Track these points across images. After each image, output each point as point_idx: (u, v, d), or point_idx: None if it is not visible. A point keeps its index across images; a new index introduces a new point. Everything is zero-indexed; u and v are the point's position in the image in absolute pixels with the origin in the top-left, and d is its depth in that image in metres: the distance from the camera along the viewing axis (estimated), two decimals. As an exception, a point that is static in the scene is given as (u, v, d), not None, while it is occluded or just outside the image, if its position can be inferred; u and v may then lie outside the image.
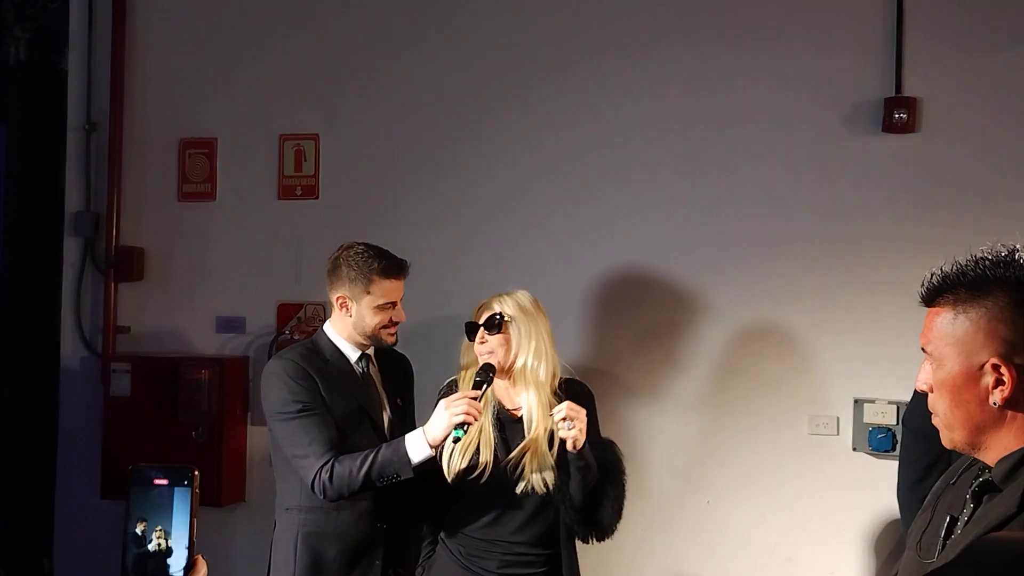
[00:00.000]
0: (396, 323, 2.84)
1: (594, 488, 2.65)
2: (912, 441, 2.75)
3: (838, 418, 3.34)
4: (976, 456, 1.46)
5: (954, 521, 1.44)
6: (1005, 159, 3.21)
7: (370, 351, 2.90)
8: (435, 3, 3.74)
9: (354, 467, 2.61)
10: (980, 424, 1.41)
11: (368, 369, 2.89)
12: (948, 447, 1.49)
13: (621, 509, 2.72)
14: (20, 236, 4.26)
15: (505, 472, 2.69)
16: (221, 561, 3.71)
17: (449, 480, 2.70)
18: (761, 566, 3.39)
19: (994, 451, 1.41)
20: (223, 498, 3.75)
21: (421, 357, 3.17)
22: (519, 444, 2.69)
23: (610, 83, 3.55)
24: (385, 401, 2.90)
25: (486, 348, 2.72)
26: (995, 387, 1.38)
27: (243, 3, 3.93)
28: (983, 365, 1.38)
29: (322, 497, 2.65)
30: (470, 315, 2.82)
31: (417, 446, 2.60)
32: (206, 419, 3.75)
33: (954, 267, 1.44)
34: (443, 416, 2.57)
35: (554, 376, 2.75)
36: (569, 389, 2.76)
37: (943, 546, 1.43)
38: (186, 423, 3.77)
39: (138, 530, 1.45)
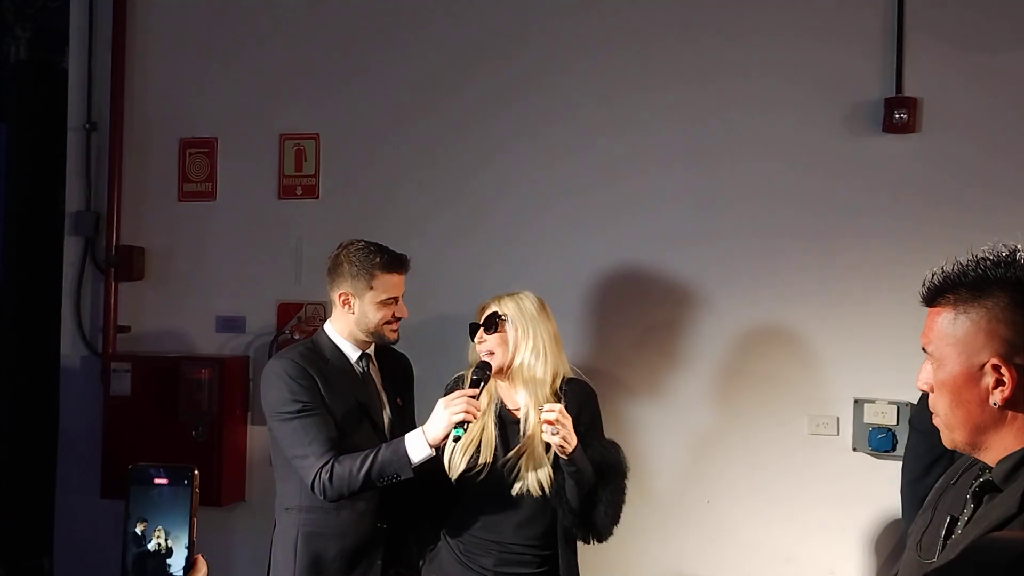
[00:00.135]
0: (399, 319, 2.84)
1: (590, 491, 2.64)
2: (917, 439, 2.75)
3: (838, 418, 3.34)
4: (976, 456, 1.46)
5: (954, 521, 1.44)
6: (1006, 159, 3.21)
7: (370, 350, 2.90)
8: (435, 2, 3.73)
9: (354, 467, 2.61)
10: (980, 424, 1.41)
11: (368, 369, 2.89)
12: (949, 447, 1.49)
13: (618, 512, 2.70)
14: (20, 235, 4.26)
15: (502, 472, 2.69)
16: (221, 561, 3.71)
17: (451, 479, 2.71)
18: (761, 566, 3.39)
19: (994, 451, 1.41)
20: (223, 498, 3.75)
21: (421, 356, 3.17)
22: (518, 444, 2.70)
23: (612, 84, 3.54)
24: (385, 401, 2.89)
25: (485, 347, 2.74)
26: (995, 387, 1.38)
27: (243, 3, 3.93)
28: (983, 365, 1.38)
29: (322, 497, 2.65)
30: (470, 314, 2.82)
31: (417, 446, 2.60)
32: (206, 419, 3.75)
33: (955, 267, 1.44)
34: (442, 415, 2.58)
35: (555, 377, 2.74)
36: (570, 389, 2.76)
37: (943, 546, 1.43)
38: (186, 423, 3.76)
39: (138, 530, 1.45)
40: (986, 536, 1.31)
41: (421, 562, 2.88)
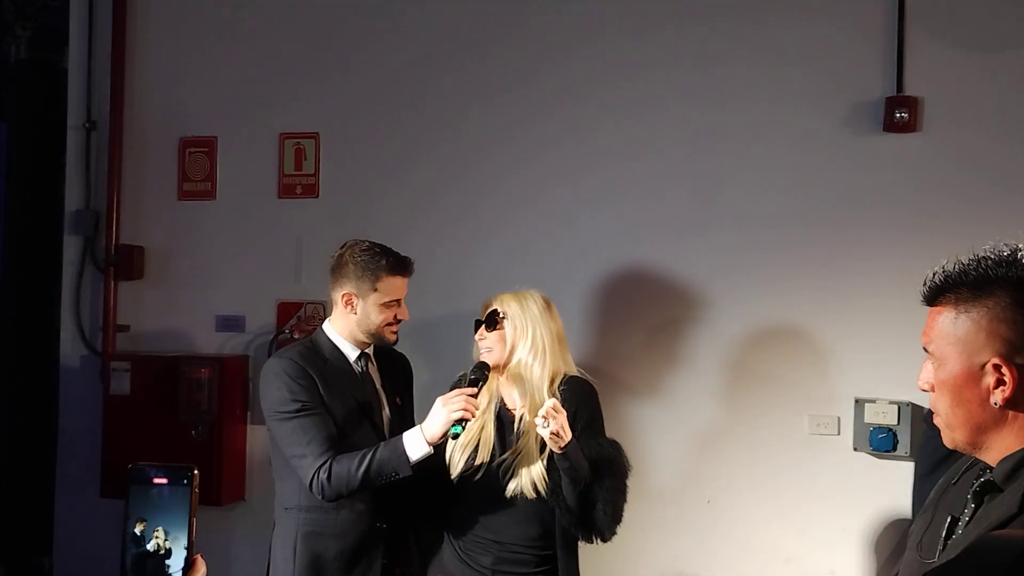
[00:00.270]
0: (400, 321, 2.83)
1: (586, 490, 2.63)
2: (929, 435, 2.75)
3: (839, 418, 3.33)
4: (977, 456, 1.46)
5: (955, 521, 1.44)
6: (1006, 158, 3.21)
7: (369, 350, 2.89)
8: (436, 2, 3.73)
9: (352, 466, 2.61)
10: (981, 424, 1.40)
11: (367, 368, 2.89)
12: (949, 447, 1.49)
13: (618, 512, 2.68)
14: (20, 234, 4.26)
15: (498, 472, 2.69)
16: (220, 560, 3.71)
17: (453, 478, 2.71)
18: (761, 565, 3.38)
19: (995, 451, 1.41)
20: (223, 497, 3.75)
21: (420, 355, 3.17)
22: (516, 444, 2.70)
23: (612, 84, 3.54)
24: (384, 400, 2.89)
25: (484, 345, 2.75)
26: (996, 387, 1.38)
27: (243, 2, 3.93)
28: (984, 365, 1.38)
29: (320, 497, 2.65)
30: (470, 312, 2.82)
31: (415, 444, 2.60)
32: (206, 418, 3.75)
33: (956, 266, 1.43)
34: (441, 413, 2.58)
35: (554, 376, 2.74)
36: (568, 387, 2.75)
37: (944, 546, 1.43)
38: (186, 422, 3.76)
39: (137, 530, 1.45)
40: (987, 535, 1.31)
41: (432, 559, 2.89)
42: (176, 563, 1.45)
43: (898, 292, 3.09)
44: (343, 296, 2.80)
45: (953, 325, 1.41)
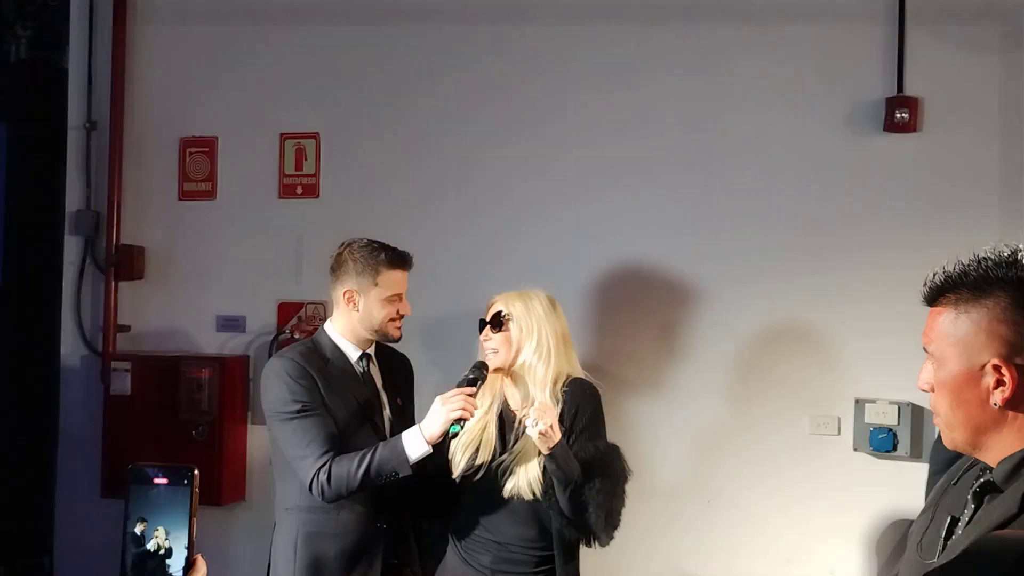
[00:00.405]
0: (402, 316, 2.83)
1: (576, 492, 2.60)
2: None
3: (839, 418, 3.33)
4: (977, 456, 1.46)
5: (955, 521, 1.44)
6: (1007, 159, 3.21)
7: (370, 350, 2.89)
8: (434, 1, 3.73)
9: (352, 467, 2.61)
10: (981, 424, 1.40)
11: (368, 368, 2.89)
12: (949, 447, 1.49)
13: (611, 516, 2.63)
14: (20, 234, 4.26)
15: (497, 472, 2.69)
16: (221, 561, 3.71)
17: (454, 478, 2.71)
18: (761, 565, 3.38)
19: (995, 451, 1.40)
20: (223, 497, 3.75)
21: (421, 355, 3.17)
22: (517, 445, 2.70)
23: (612, 83, 3.54)
24: (385, 401, 2.89)
25: (490, 346, 2.74)
26: (996, 388, 1.37)
27: (244, 2, 3.92)
28: (984, 366, 1.38)
29: (320, 498, 2.65)
30: (471, 311, 2.81)
31: (414, 443, 2.60)
32: (206, 418, 3.75)
33: (956, 267, 1.43)
34: (440, 412, 2.58)
35: (558, 377, 2.73)
36: (571, 389, 2.74)
37: (944, 546, 1.43)
38: (186, 422, 3.76)
39: (137, 530, 1.45)
40: (987, 536, 1.31)
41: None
42: (176, 563, 1.45)
43: (898, 292, 3.08)
44: (344, 293, 2.80)
45: (953, 326, 1.41)
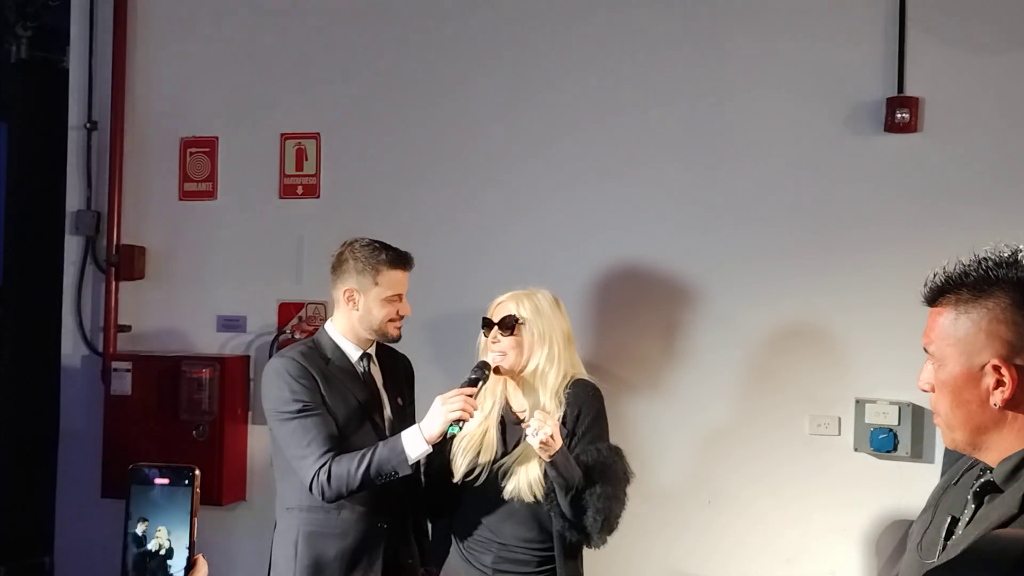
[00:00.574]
0: (402, 316, 2.83)
1: (578, 496, 2.59)
2: None
3: (839, 418, 3.33)
4: (977, 456, 1.46)
5: (955, 521, 1.44)
6: (1007, 159, 3.21)
7: (371, 350, 2.89)
8: (437, 2, 3.73)
9: (352, 466, 2.61)
10: (981, 425, 1.40)
11: (369, 368, 2.89)
12: (949, 447, 1.49)
13: (610, 519, 2.62)
14: (21, 234, 4.27)
15: (498, 476, 2.69)
16: (222, 561, 3.71)
17: (456, 479, 2.71)
18: (762, 566, 3.38)
19: (995, 452, 1.41)
20: (224, 497, 3.75)
21: (421, 355, 3.17)
22: (517, 447, 2.69)
23: (613, 83, 3.54)
24: (385, 400, 2.89)
25: (498, 348, 2.70)
26: (996, 388, 1.38)
27: (244, 2, 3.93)
28: (984, 366, 1.38)
29: (320, 498, 2.65)
30: (472, 311, 2.80)
31: (414, 443, 2.60)
32: (207, 418, 3.76)
33: (957, 267, 1.43)
34: (439, 412, 2.58)
35: (564, 379, 2.72)
36: (573, 391, 2.73)
37: (944, 546, 1.43)
38: (187, 422, 3.77)
39: (138, 530, 1.45)
40: (988, 535, 1.31)
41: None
42: (178, 563, 1.45)
43: (899, 292, 3.08)
44: (344, 292, 2.80)
45: (953, 326, 1.41)
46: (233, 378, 3.82)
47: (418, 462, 2.66)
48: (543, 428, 2.49)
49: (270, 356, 3.56)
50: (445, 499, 2.80)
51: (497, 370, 2.71)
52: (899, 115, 3.24)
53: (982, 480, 1.43)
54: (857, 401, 3.29)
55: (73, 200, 4.05)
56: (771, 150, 3.40)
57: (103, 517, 3.82)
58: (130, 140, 4.00)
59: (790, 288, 3.37)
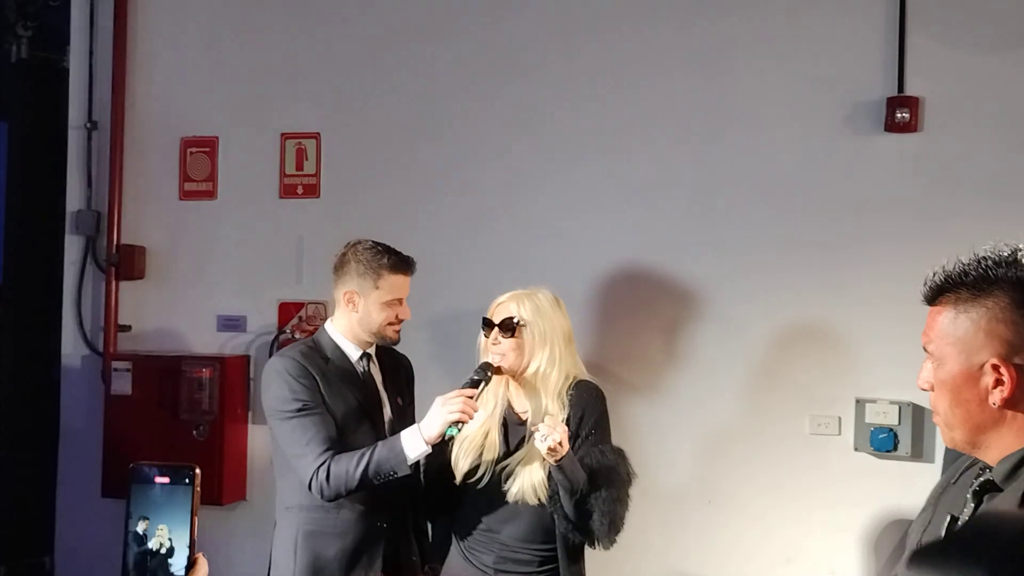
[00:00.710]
0: (401, 320, 2.84)
1: (583, 499, 2.59)
2: None
3: (839, 418, 3.33)
4: (976, 455, 1.46)
5: (954, 520, 1.44)
6: (1007, 158, 3.21)
7: (371, 350, 2.90)
8: (436, 1, 3.74)
9: (351, 466, 2.61)
10: (980, 424, 1.40)
11: (369, 368, 2.89)
12: (948, 446, 1.49)
13: (616, 521, 2.63)
14: (21, 234, 4.27)
15: (500, 477, 2.68)
16: (222, 560, 3.71)
17: (457, 480, 2.71)
18: (762, 566, 3.38)
19: (995, 451, 1.41)
20: (224, 497, 3.76)
21: (421, 355, 3.17)
22: (520, 449, 2.69)
23: (614, 82, 3.55)
24: (385, 400, 2.89)
25: (498, 350, 2.70)
26: (995, 387, 1.38)
27: (244, 1, 3.93)
28: (983, 365, 1.38)
29: (320, 497, 2.65)
30: (472, 311, 2.80)
31: (413, 443, 2.60)
32: (207, 418, 3.76)
33: (956, 266, 1.43)
34: (439, 413, 2.57)
35: (566, 380, 2.71)
36: (576, 392, 2.72)
37: (944, 546, 1.43)
38: (187, 422, 3.77)
39: (139, 529, 1.45)
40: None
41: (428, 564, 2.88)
42: (178, 562, 1.45)
43: (899, 292, 3.08)
44: (345, 294, 2.81)
45: (952, 325, 1.41)
46: (233, 378, 3.82)
47: (417, 462, 2.66)
48: (552, 434, 2.48)
49: (270, 356, 3.56)
50: (445, 499, 2.79)
51: (499, 370, 2.70)
52: (899, 115, 3.24)
53: (981, 479, 1.43)
54: (857, 401, 3.29)
55: (73, 200, 4.05)
56: (772, 150, 3.40)
57: (103, 517, 3.82)
58: (130, 140, 4.00)
59: (790, 287, 3.38)
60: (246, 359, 3.88)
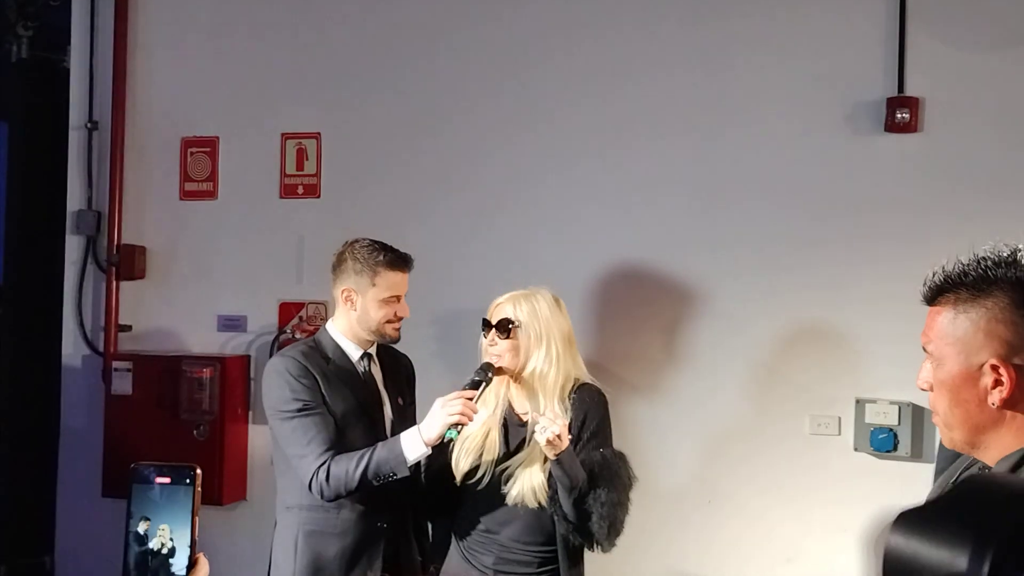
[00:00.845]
0: (400, 318, 2.83)
1: (581, 499, 2.59)
2: None
3: (839, 418, 3.33)
4: (976, 455, 1.46)
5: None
6: (1007, 159, 3.21)
7: (372, 350, 2.90)
8: (437, 0, 3.74)
9: (350, 467, 2.61)
10: (979, 424, 1.40)
11: (370, 368, 2.89)
12: (948, 446, 1.49)
13: (615, 523, 2.62)
14: (22, 234, 4.27)
15: (500, 479, 2.68)
16: (222, 560, 3.69)
17: (457, 481, 2.71)
18: (762, 566, 3.38)
19: (994, 451, 1.41)
20: (224, 497, 3.76)
21: (422, 355, 3.17)
22: (520, 450, 2.69)
23: (614, 83, 3.55)
24: (386, 400, 2.89)
25: (495, 351, 2.70)
26: (994, 387, 1.37)
27: (245, 2, 3.93)
28: (982, 365, 1.38)
29: (319, 497, 2.66)
30: (472, 311, 2.80)
31: (412, 444, 2.60)
32: (207, 418, 3.76)
33: (956, 266, 1.43)
34: (439, 415, 2.57)
35: (566, 382, 2.71)
36: (578, 395, 2.72)
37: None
38: (187, 422, 3.77)
39: (140, 529, 1.45)
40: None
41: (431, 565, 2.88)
42: (179, 562, 1.45)
43: (899, 292, 3.07)
44: (343, 292, 2.81)
45: (952, 325, 1.41)
46: (233, 378, 3.82)
47: (417, 464, 2.65)
48: (551, 427, 2.49)
49: (271, 356, 3.56)
50: (445, 499, 2.79)
51: (499, 371, 2.71)
52: (899, 115, 3.24)
53: (981, 479, 1.43)
54: (857, 401, 3.29)
55: (74, 200, 4.05)
56: (772, 149, 3.41)
57: (104, 516, 3.82)
58: (131, 140, 4.00)
59: (791, 287, 3.38)
60: (246, 359, 3.89)
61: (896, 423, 3.23)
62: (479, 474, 2.70)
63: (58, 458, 4.05)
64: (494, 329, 2.70)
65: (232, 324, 3.91)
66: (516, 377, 2.72)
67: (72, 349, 4.05)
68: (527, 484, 2.64)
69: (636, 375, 3.50)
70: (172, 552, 1.45)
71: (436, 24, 3.73)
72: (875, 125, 3.30)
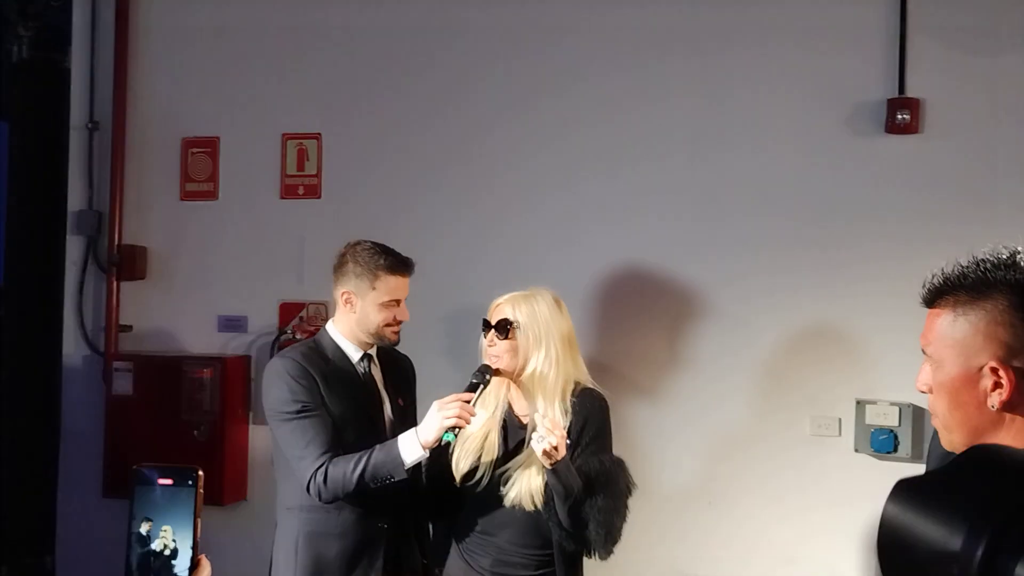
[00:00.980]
0: (400, 321, 2.83)
1: (576, 507, 2.57)
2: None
3: (840, 419, 3.34)
4: (976, 457, 1.46)
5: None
6: (1008, 160, 3.21)
7: (372, 351, 2.90)
8: (438, 1, 3.74)
9: (348, 469, 2.61)
10: (978, 426, 1.40)
11: (370, 369, 2.89)
12: (947, 448, 1.48)
13: (612, 531, 2.60)
14: (23, 234, 4.27)
15: (498, 481, 2.68)
16: (223, 560, 3.69)
17: (456, 483, 2.71)
18: (763, 567, 3.39)
19: (993, 453, 1.41)
20: (225, 497, 3.76)
21: (422, 356, 3.17)
22: (520, 452, 2.68)
23: (615, 84, 3.55)
24: (386, 401, 2.89)
25: (494, 352, 2.69)
26: (993, 390, 1.37)
27: (246, 2, 3.93)
28: (982, 368, 1.38)
29: (317, 499, 2.66)
30: (472, 312, 2.80)
31: (410, 447, 2.60)
32: (208, 418, 3.76)
33: (955, 269, 1.43)
34: (436, 418, 2.57)
35: (566, 384, 2.69)
36: (579, 400, 2.71)
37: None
38: (188, 422, 3.77)
39: (142, 530, 1.45)
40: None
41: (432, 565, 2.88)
42: (182, 563, 1.45)
43: (899, 293, 3.08)
44: (343, 295, 2.81)
45: (951, 327, 1.41)
46: (234, 378, 3.82)
47: (415, 466, 2.65)
48: (548, 437, 2.47)
49: (271, 356, 3.56)
50: (446, 501, 2.79)
51: (498, 372, 2.70)
52: (900, 116, 3.24)
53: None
54: (858, 402, 3.30)
55: (75, 200, 4.05)
56: (773, 152, 3.41)
57: (104, 517, 3.83)
58: (132, 140, 4.00)
59: (791, 289, 3.38)
60: (247, 359, 3.89)
61: (896, 424, 3.23)
62: (477, 476, 2.70)
63: (59, 458, 4.05)
64: (493, 330, 2.70)
65: (233, 324, 3.91)
66: (515, 378, 2.72)
67: (73, 349, 4.06)
68: (525, 487, 2.63)
69: (638, 376, 3.50)
70: (174, 553, 1.45)
71: (438, 25, 3.73)
72: (876, 126, 3.31)
